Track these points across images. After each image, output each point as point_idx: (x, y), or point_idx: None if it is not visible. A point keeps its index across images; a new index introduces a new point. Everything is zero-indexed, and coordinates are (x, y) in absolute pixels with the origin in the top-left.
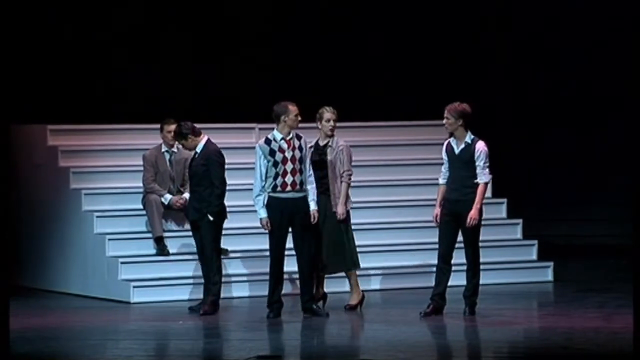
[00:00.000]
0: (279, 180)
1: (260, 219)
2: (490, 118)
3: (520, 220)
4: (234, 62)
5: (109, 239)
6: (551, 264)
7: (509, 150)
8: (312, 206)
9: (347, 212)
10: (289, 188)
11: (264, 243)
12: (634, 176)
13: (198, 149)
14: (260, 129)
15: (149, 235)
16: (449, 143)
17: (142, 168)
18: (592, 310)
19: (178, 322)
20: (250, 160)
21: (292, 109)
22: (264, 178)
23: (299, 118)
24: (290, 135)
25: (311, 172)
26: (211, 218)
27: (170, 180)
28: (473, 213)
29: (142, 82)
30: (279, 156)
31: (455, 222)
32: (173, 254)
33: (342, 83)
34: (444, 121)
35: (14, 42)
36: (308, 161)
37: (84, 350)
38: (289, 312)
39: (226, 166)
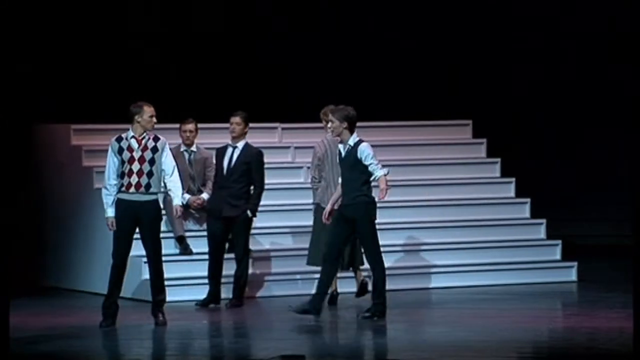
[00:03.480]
0: (125, 180)
1: (106, 218)
2: (515, 118)
3: (544, 220)
4: (254, 62)
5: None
6: (575, 264)
7: (533, 150)
8: (176, 201)
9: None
10: (132, 189)
11: (288, 243)
12: (634, 176)
13: (239, 145)
14: (283, 128)
15: (171, 234)
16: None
17: None
18: (617, 310)
19: (202, 322)
20: (273, 160)
21: (147, 109)
22: (114, 176)
23: (154, 120)
24: (144, 135)
25: (175, 173)
26: (250, 215)
27: (190, 179)
28: (380, 193)
29: (163, 82)
30: (126, 155)
31: (346, 224)
32: (196, 254)
33: (361, 82)
34: (328, 125)
35: (38, 42)
36: (172, 163)
37: (108, 349)
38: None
39: None
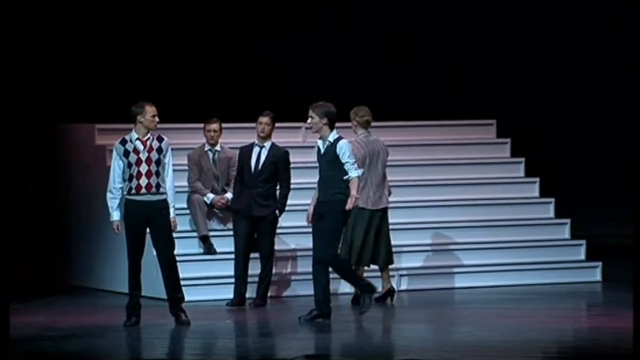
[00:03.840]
0: (134, 182)
1: (112, 221)
2: (539, 118)
3: (568, 220)
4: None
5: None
6: (599, 264)
7: (557, 150)
8: (172, 213)
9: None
10: (143, 190)
11: (310, 242)
12: (634, 176)
13: (267, 145)
14: (306, 128)
15: (195, 234)
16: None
17: (186, 167)
18: None
19: (225, 321)
20: (297, 160)
21: (149, 109)
22: (119, 179)
23: (157, 119)
24: (148, 136)
25: (170, 176)
26: (278, 215)
27: (215, 179)
28: (349, 202)
29: (186, 82)
30: (132, 157)
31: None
32: (220, 253)
33: (386, 81)
34: (308, 121)
35: (62, 42)
36: (169, 165)
37: (132, 348)
38: (336, 311)
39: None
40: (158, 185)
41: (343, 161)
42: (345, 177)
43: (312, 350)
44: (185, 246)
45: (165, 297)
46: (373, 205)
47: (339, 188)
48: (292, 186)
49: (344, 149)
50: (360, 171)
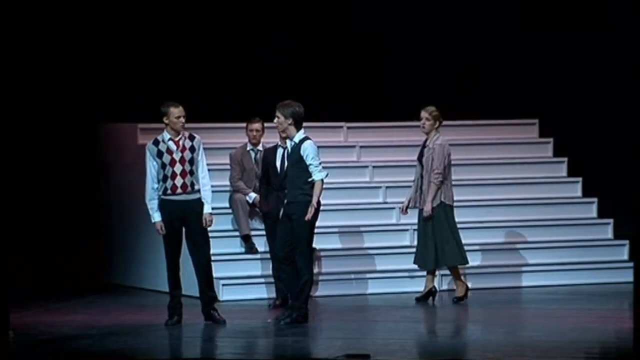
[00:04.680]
0: (169, 182)
1: (154, 223)
2: (581, 118)
3: (611, 220)
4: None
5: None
6: None
7: (599, 150)
8: (206, 209)
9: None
10: (179, 190)
11: (351, 242)
12: (634, 176)
13: (289, 144)
14: (348, 127)
15: (237, 233)
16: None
17: (229, 167)
18: None
19: (266, 321)
20: (338, 159)
21: (174, 110)
22: (155, 180)
23: (182, 120)
24: (180, 136)
25: (205, 173)
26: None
27: (257, 178)
28: (308, 212)
29: (228, 81)
30: (166, 158)
31: (290, 222)
32: (261, 252)
33: (442, 82)
34: (275, 120)
35: (104, 41)
36: (203, 163)
37: (173, 347)
38: (375, 311)
39: None
40: (193, 184)
41: (307, 162)
42: (309, 179)
43: (354, 350)
44: (226, 245)
45: (197, 295)
46: (454, 203)
47: (303, 189)
48: (332, 186)
49: (308, 150)
50: (324, 173)
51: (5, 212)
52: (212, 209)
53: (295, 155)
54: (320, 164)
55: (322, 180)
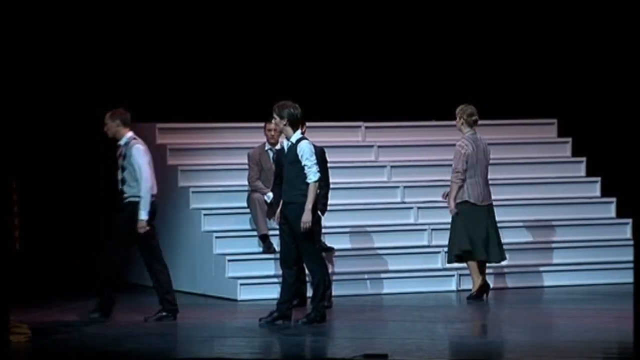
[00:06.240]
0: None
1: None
2: (600, 118)
3: (629, 220)
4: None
5: (216, 237)
6: None
7: (617, 149)
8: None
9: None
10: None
11: (368, 241)
12: (634, 176)
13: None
14: (366, 127)
15: (255, 233)
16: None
17: (247, 166)
18: None
19: (283, 320)
20: (356, 159)
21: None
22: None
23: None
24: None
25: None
26: (322, 215)
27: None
28: (303, 216)
29: (246, 81)
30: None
31: (287, 224)
32: (279, 252)
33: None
34: (273, 121)
35: (122, 41)
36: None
37: (191, 347)
38: (393, 310)
39: (333, 165)
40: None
41: (302, 163)
42: (307, 180)
43: (372, 350)
44: (244, 245)
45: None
46: (483, 201)
47: (300, 190)
48: (350, 185)
49: (304, 151)
50: (317, 176)
51: (21, 211)
52: (230, 208)
53: (291, 156)
54: (314, 164)
55: (315, 182)
